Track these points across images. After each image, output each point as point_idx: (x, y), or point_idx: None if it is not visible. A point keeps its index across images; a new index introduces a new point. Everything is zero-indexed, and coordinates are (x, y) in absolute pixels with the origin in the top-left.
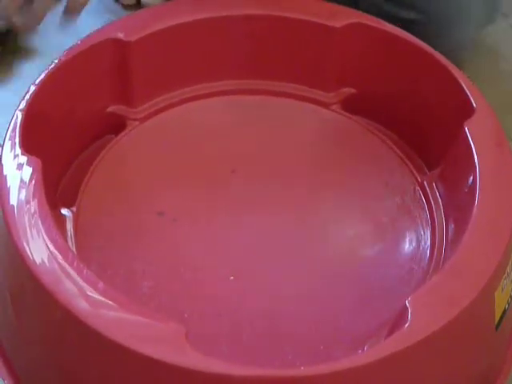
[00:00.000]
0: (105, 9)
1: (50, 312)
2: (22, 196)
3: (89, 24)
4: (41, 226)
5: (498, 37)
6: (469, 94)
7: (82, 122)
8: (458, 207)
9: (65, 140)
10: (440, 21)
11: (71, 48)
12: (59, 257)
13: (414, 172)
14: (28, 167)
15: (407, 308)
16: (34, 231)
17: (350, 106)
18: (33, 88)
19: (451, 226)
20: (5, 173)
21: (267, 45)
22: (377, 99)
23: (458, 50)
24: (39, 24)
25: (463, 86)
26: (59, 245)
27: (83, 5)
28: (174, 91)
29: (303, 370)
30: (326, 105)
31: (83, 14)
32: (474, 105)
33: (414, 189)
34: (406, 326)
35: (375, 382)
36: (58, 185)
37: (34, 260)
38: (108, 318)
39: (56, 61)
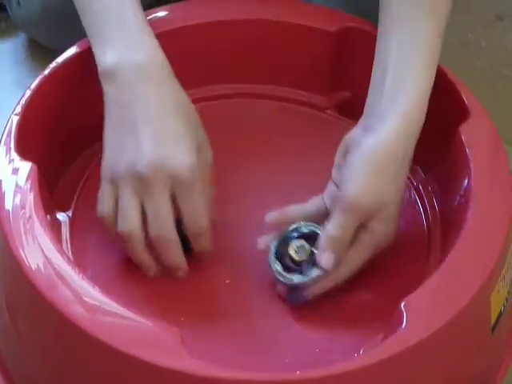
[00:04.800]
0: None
1: (45, 317)
2: (18, 201)
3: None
4: (36, 230)
5: (492, 39)
6: (464, 97)
7: (77, 126)
8: (454, 210)
9: (60, 144)
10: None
11: (66, 52)
12: (55, 262)
13: (410, 176)
14: (23, 172)
15: (402, 311)
16: (30, 236)
17: (346, 109)
18: (28, 92)
19: (447, 229)
20: (0, 178)
21: (262, 49)
22: None
23: None
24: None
25: (459, 89)
26: (55, 249)
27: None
28: None
29: (299, 374)
30: (321, 108)
31: None
32: (470, 109)
33: (410, 192)
34: (402, 328)
35: None
36: (54, 189)
37: (29, 265)
38: (104, 322)
39: (51, 65)
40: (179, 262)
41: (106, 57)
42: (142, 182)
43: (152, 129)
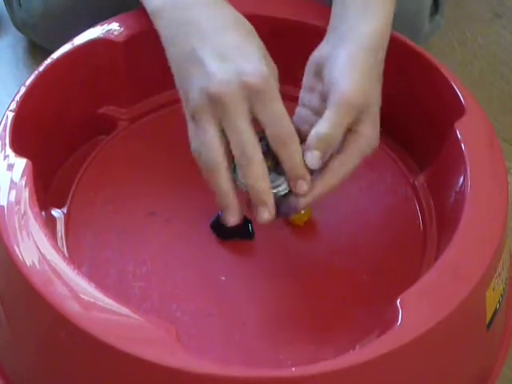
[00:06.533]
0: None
1: (40, 314)
2: (12, 197)
3: None
4: (31, 227)
5: (490, 37)
6: (459, 94)
7: (72, 123)
8: (450, 207)
9: (55, 140)
10: None
11: (61, 49)
12: (50, 258)
13: (406, 172)
14: (18, 168)
15: (398, 308)
16: (25, 232)
17: None
18: (23, 89)
19: (442, 226)
20: None
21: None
22: None
23: None
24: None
25: (454, 86)
26: (50, 246)
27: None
28: (165, 92)
29: (294, 371)
30: None
31: None
32: (465, 105)
33: (406, 189)
34: (397, 325)
35: (366, 382)
36: (49, 185)
37: (24, 261)
38: (99, 319)
39: (46, 61)
40: (265, 191)
41: (151, 3)
42: (217, 105)
43: (212, 47)
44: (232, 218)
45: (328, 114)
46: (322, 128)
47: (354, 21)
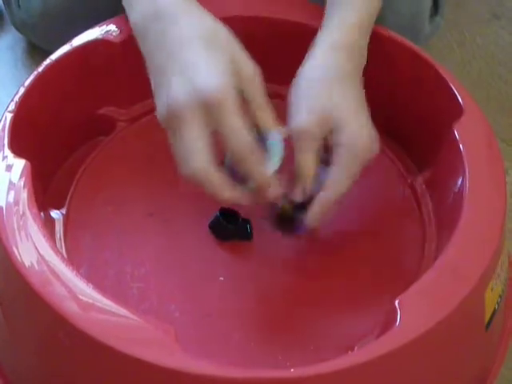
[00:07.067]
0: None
1: (39, 314)
2: (11, 198)
3: None
4: (30, 228)
5: (489, 38)
6: (458, 95)
7: (71, 124)
8: (448, 208)
9: (54, 141)
10: None
11: (60, 49)
12: (48, 259)
13: (404, 173)
14: (17, 169)
15: (397, 308)
16: (23, 233)
17: None
18: (22, 89)
19: (441, 227)
20: None
21: (251, 46)
22: (366, 100)
23: None
24: None
25: (452, 87)
26: (48, 247)
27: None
28: None
29: (293, 372)
30: None
31: None
32: (463, 106)
33: (404, 190)
34: (396, 326)
35: (365, 383)
36: (48, 186)
37: (23, 262)
38: (98, 320)
39: (45, 62)
40: (261, 177)
41: (131, 17)
42: (176, 121)
43: (176, 62)
44: (247, 202)
45: (295, 147)
46: (295, 163)
47: (325, 21)
